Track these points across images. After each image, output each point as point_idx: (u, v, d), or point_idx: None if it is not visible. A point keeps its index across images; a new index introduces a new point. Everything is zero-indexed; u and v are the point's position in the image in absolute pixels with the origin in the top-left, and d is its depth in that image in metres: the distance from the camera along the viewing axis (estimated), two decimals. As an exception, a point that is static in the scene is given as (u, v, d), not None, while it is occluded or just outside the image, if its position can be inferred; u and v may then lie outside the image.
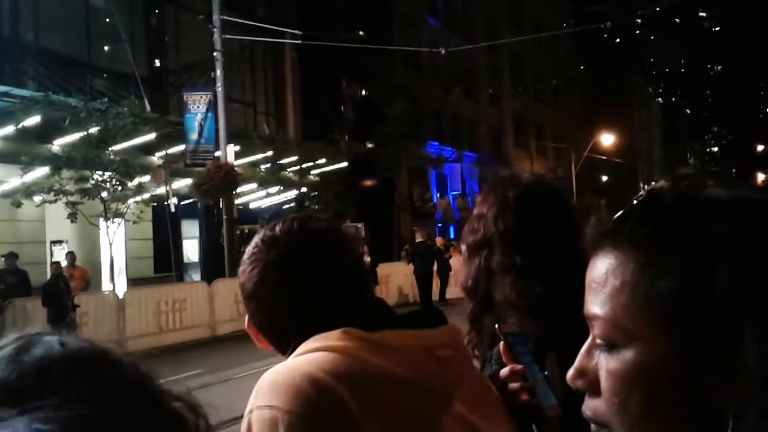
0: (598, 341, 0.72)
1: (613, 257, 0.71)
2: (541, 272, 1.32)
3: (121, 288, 15.48)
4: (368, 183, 25.86)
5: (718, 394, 0.65)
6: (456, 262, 20.62)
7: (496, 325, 1.26)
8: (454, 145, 34.45)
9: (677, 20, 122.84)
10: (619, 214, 0.73)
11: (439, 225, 32.31)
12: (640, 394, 0.69)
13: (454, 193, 34.60)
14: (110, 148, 14.81)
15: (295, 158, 20.64)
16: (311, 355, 1.06)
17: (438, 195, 33.80)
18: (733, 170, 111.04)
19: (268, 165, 20.09)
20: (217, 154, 16.68)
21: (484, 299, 1.40)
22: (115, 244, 15.32)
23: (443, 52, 23.20)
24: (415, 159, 29.19)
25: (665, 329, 0.67)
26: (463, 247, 1.52)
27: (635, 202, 0.73)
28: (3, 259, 12.62)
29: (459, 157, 34.60)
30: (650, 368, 0.68)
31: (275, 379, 1.04)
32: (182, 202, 17.61)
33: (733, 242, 0.66)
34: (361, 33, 24.99)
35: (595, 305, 0.72)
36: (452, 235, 30.52)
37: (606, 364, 0.71)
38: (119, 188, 14.94)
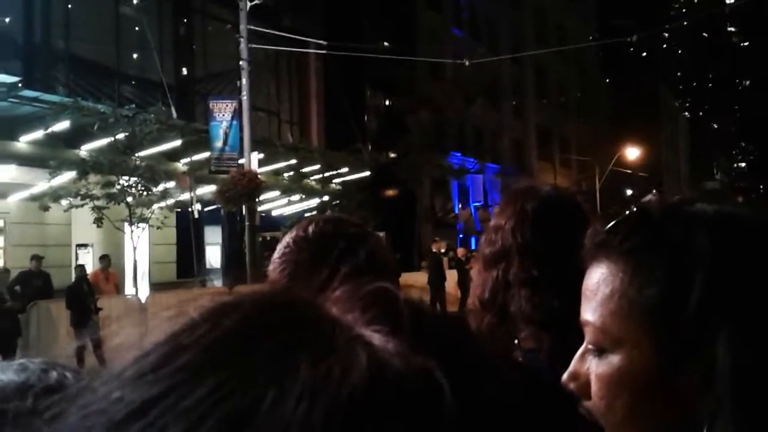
0: (590, 347, 0.76)
1: (605, 267, 0.75)
2: (558, 287, 1.31)
3: (144, 292, 15.63)
4: (390, 193, 25.90)
5: (695, 400, 0.67)
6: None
7: (515, 341, 1.28)
8: (477, 156, 34.40)
9: (705, 34, 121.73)
10: (610, 225, 0.76)
11: (461, 236, 32.24)
12: (624, 397, 0.72)
13: (476, 204, 34.52)
14: (136, 154, 15.00)
15: (317, 167, 20.75)
16: None
17: (460, 206, 33.75)
18: (761, 186, 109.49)
19: (291, 173, 20.22)
20: (241, 161, 16.81)
21: (500, 312, 1.39)
22: (139, 248, 15.48)
23: (467, 63, 23.22)
24: (438, 170, 29.17)
25: (648, 335, 0.70)
26: (480, 258, 1.51)
27: (626, 214, 0.76)
28: (29, 261, 12.80)
29: (481, 169, 34.54)
30: (634, 372, 0.71)
31: None
32: (206, 209, 17.78)
33: (710, 254, 0.69)
34: (385, 44, 25.11)
35: (588, 312, 0.76)
36: (474, 246, 30.45)
37: (596, 368, 0.74)
38: (144, 193, 15.12)
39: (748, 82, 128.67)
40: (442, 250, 19.64)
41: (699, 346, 0.67)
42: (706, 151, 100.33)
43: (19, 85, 12.05)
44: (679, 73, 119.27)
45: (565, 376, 0.78)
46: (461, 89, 31.22)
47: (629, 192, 55.16)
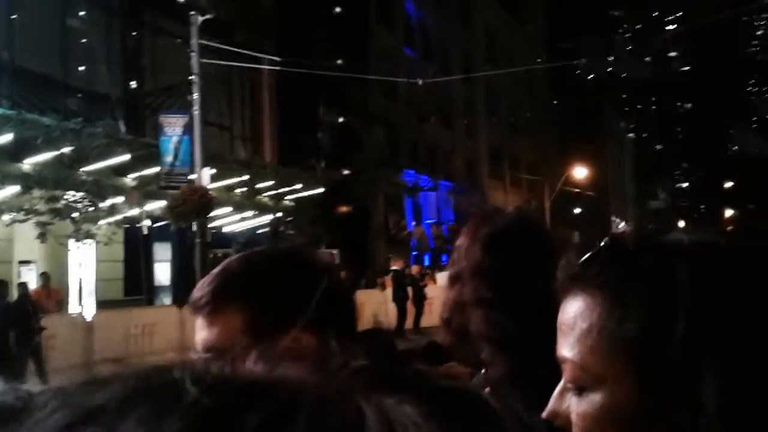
0: (569, 384, 0.72)
1: (581, 300, 0.72)
2: (512, 308, 1.32)
3: (90, 311, 15.17)
4: (344, 210, 25.84)
5: None
6: (432, 290, 20.63)
7: (481, 368, 1.28)
8: (430, 174, 34.65)
9: (648, 58, 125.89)
10: (585, 258, 0.73)
11: (414, 253, 32.31)
12: None
13: (429, 221, 34.70)
14: (83, 169, 14.62)
15: (271, 183, 20.56)
16: None
17: (414, 223, 33.87)
18: (702, 206, 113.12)
19: (244, 189, 19.98)
20: (192, 177, 16.56)
21: (459, 331, 1.40)
22: (85, 265, 15.07)
23: (420, 82, 23.45)
24: (391, 187, 29.26)
25: (630, 372, 0.67)
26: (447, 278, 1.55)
27: (601, 246, 0.74)
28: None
29: (435, 186, 34.78)
30: (616, 411, 0.68)
31: None
32: (155, 225, 17.42)
33: (691, 287, 0.67)
34: (339, 61, 25.18)
35: (565, 348, 0.73)
36: (426, 263, 30.53)
37: (576, 407, 0.71)
38: (91, 209, 14.72)
39: (689, 105, 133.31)
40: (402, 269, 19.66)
41: (684, 382, 0.65)
42: (650, 172, 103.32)
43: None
44: (624, 96, 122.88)
45: (544, 414, 0.75)
46: (415, 108, 31.49)
47: (577, 211, 56.28)
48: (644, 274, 0.69)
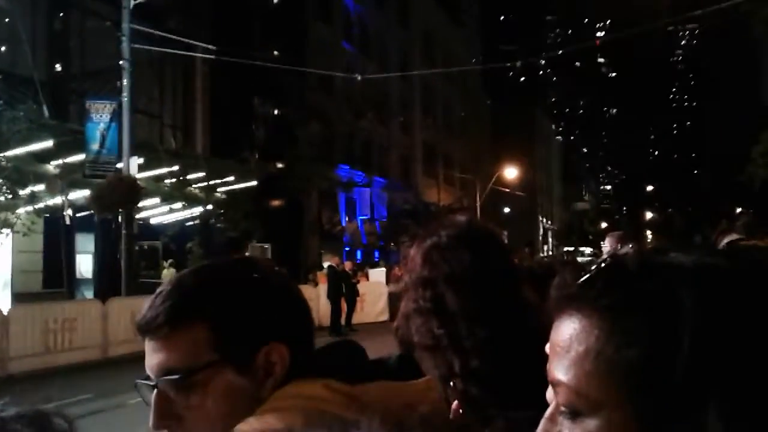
0: (562, 408, 0.70)
1: (578, 322, 0.70)
2: (444, 315, 1.33)
3: (6, 304, 14.46)
4: (277, 203, 25.52)
5: None
6: (363, 287, 20.61)
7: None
8: (365, 170, 34.65)
9: (577, 63, 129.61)
10: (584, 278, 0.71)
11: (347, 249, 32.24)
12: None
13: (363, 217, 34.71)
14: (2, 154, 13.93)
15: (202, 174, 20.09)
16: (284, 414, 0.91)
17: (347, 219, 33.79)
18: (624, 208, 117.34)
19: (174, 180, 19.44)
20: (120, 165, 16.03)
21: (403, 340, 1.41)
22: (2, 256, 14.36)
23: (359, 78, 23.36)
24: (325, 182, 29.11)
25: (629, 399, 0.65)
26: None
27: (601, 266, 0.71)
28: None
29: (369, 182, 34.81)
30: None
31: None
32: (78, 214, 16.76)
33: (696, 312, 0.64)
34: (275, 53, 24.82)
35: (559, 371, 0.70)
36: (359, 260, 30.51)
37: None
38: (9, 197, 14.04)
39: (614, 111, 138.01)
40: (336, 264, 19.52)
41: (686, 412, 0.63)
42: (577, 174, 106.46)
43: None
44: (553, 99, 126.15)
45: None
46: (351, 103, 31.38)
47: (507, 210, 57.39)
48: (647, 298, 0.66)
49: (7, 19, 16.77)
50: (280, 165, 25.63)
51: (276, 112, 27.60)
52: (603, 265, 0.72)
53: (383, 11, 39.05)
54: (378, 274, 23.39)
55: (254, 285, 1.04)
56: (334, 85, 30.43)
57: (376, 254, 34.44)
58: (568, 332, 0.70)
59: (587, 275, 0.71)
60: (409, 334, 1.39)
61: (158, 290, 1.04)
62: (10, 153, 14.17)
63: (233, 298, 1.01)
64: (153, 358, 1.00)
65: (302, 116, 27.59)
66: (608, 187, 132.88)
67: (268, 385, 1.00)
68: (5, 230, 14.29)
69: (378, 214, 35.72)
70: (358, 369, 1.06)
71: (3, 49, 17.06)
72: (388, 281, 21.87)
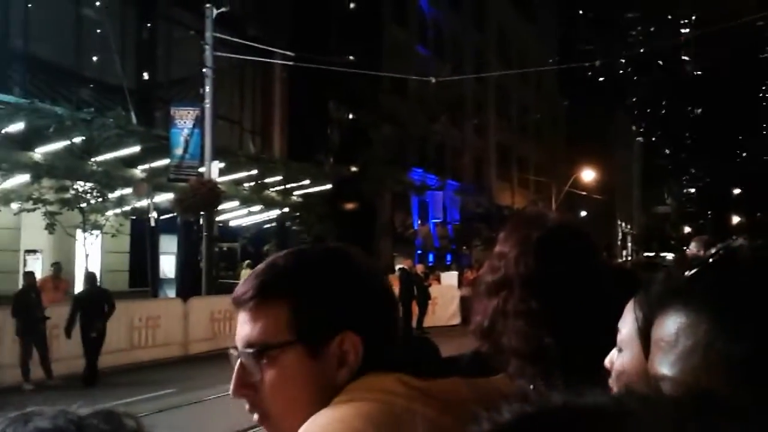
0: None
1: (684, 316, 0.69)
2: (555, 321, 1.28)
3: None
4: (350, 206, 25.83)
5: None
6: (435, 290, 20.61)
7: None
8: (438, 173, 34.60)
9: (660, 62, 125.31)
10: (692, 272, 0.71)
11: (419, 252, 32.30)
12: None
13: (435, 220, 34.66)
14: (93, 159, 14.64)
15: (279, 178, 20.56)
16: (362, 407, 0.95)
17: (419, 222, 33.85)
18: (708, 212, 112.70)
19: (252, 183, 19.99)
20: (202, 170, 16.59)
21: (497, 341, 1.35)
22: (91, 256, 15.08)
23: (433, 81, 23.37)
24: (399, 185, 29.24)
25: (737, 393, 0.64)
26: (482, 285, 1.46)
27: (710, 261, 0.71)
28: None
29: (442, 185, 34.73)
30: None
31: (326, 429, 0.93)
32: (162, 217, 17.45)
33: None
34: (351, 57, 25.14)
35: (664, 365, 0.69)
36: (431, 263, 30.54)
37: None
38: (99, 200, 14.75)
39: (699, 110, 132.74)
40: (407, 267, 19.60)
41: None
42: (658, 176, 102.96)
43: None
44: (634, 99, 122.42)
45: None
46: (425, 106, 31.42)
47: (584, 213, 56.16)
48: (758, 292, 0.66)
49: (98, 30, 17.62)
50: (354, 168, 25.94)
51: (350, 115, 27.95)
52: (712, 259, 0.72)
53: (458, 13, 38.90)
54: (450, 278, 23.33)
55: (340, 273, 1.06)
56: (408, 88, 30.55)
57: (449, 257, 34.38)
58: (674, 327, 0.69)
59: (695, 269, 0.72)
60: (502, 334, 1.34)
61: (256, 268, 1.11)
62: (100, 158, 14.88)
63: (316, 283, 1.05)
64: (240, 329, 1.06)
65: (376, 119, 27.83)
66: (692, 190, 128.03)
67: (342, 374, 1.02)
68: (95, 232, 14.98)
69: (450, 217, 35.62)
70: (431, 365, 1.06)
71: (95, 59, 17.94)
72: (460, 285, 21.78)
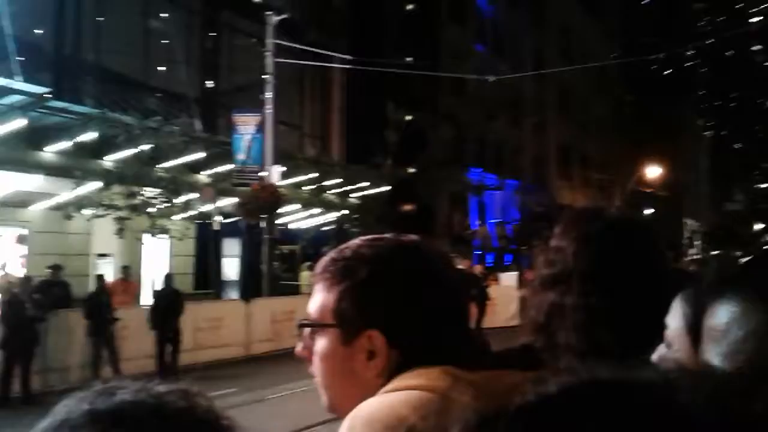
0: None
1: (737, 306, 0.70)
2: (614, 318, 1.25)
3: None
4: (408, 208, 25.92)
5: None
6: (494, 291, 20.46)
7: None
8: (497, 172, 34.31)
9: (729, 53, 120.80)
10: (746, 261, 0.73)
11: (477, 252, 32.14)
12: None
13: (494, 221, 34.41)
14: (160, 166, 15.13)
15: (338, 181, 20.80)
16: (408, 395, 0.98)
17: (478, 222, 33.67)
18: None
19: (312, 187, 20.29)
20: (263, 174, 16.92)
21: (551, 336, 1.32)
22: (158, 259, 15.58)
23: (491, 80, 23.21)
24: (457, 185, 29.16)
25: None
26: (537, 279, 1.42)
27: (764, 251, 0.70)
28: (48, 270, 12.91)
29: (501, 185, 34.44)
30: None
31: (371, 418, 0.96)
32: (225, 221, 17.89)
33: None
34: (408, 59, 25.19)
35: (715, 354, 0.70)
36: (489, 264, 30.34)
37: None
38: (166, 205, 15.23)
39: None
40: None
41: None
42: (727, 172, 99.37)
43: (49, 95, 12.20)
44: (702, 92, 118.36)
45: None
46: (483, 105, 31.20)
47: (649, 211, 54.73)
48: None
49: (164, 41, 18.20)
50: (412, 170, 26.01)
51: (408, 117, 28.02)
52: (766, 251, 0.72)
53: (517, 10, 38.45)
54: (509, 279, 23.10)
55: (395, 270, 1.08)
56: (467, 87, 30.41)
57: (508, 258, 34.08)
58: (725, 317, 0.70)
59: (749, 259, 0.74)
60: (551, 330, 1.31)
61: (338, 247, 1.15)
62: (166, 164, 15.39)
63: (366, 277, 1.07)
64: (312, 298, 1.13)
65: (434, 120, 27.82)
66: (763, 186, 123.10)
67: (371, 368, 1.05)
68: (162, 236, 15.48)
69: (510, 217, 35.31)
70: (479, 358, 1.08)
71: (161, 69, 18.52)
72: (520, 285, 21.56)
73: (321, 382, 1.11)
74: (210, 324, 14.28)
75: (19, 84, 11.87)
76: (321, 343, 1.09)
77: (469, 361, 1.04)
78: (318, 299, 1.11)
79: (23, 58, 12.92)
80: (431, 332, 1.06)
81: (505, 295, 21.02)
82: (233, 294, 19.45)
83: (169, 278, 13.19)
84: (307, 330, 1.12)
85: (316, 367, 1.10)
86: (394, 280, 1.07)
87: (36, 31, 15.61)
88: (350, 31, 23.61)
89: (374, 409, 0.97)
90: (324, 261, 1.13)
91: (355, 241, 1.14)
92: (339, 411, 1.05)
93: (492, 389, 0.95)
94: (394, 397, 0.98)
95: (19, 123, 12.23)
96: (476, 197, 33.40)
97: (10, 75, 12.17)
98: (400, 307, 1.06)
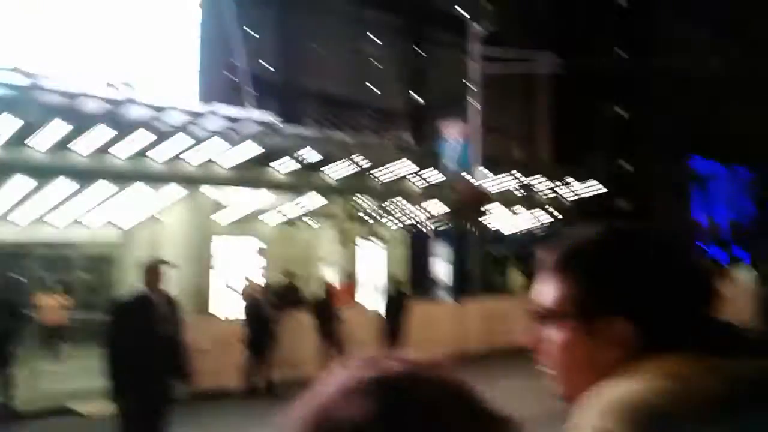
0: None
1: None
2: None
3: (382, 306, 16.71)
4: (623, 204, 24.89)
5: None
6: (727, 288, 18.70)
7: None
8: (723, 160, 31.60)
9: None
10: None
11: (701, 247, 29.84)
12: None
13: (722, 212, 31.73)
14: (376, 177, 16.17)
15: (546, 181, 20.61)
16: (652, 381, 0.96)
17: (702, 215, 31.27)
18: None
19: (520, 188, 20.30)
20: (471, 179, 17.31)
21: None
22: (375, 264, 16.56)
23: (711, 66, 21.58)
24: (677, 177, 27.31)
25: None
26: None
27: None
28: (283, 276, 14.42)
29: (728, 174, 31.64)
30: None
31: (622, 402, 0.94)
32: (436, 226, 18.51)
33: None
34: (620, 53, 24.19)
35: None
36: (727, 260, 27.99)
37: None
38: (382, 213, 16.20)
39: None
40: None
41: None
42: None
43: (278, 124, 13.63)
44: None
45: None
46: (705, 95, 28.98)
47: None
48: None
49: (375, 62, 19.40)
50: (626, 165, 24.92)
51: (620, 110, 26.87)
52: None
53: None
54: (744, 275, 21.14)
55: (631, 257, 1.07)
56: (684, 75, 28.42)
57: (737, 251, 31.20)
58: None
59: None
60: None
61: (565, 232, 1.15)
62: (380, 176, 16.42)
63: (602, 265, 1.07)
64: (538, 287, 1.13)
65: (648, 112, 26.37)
66: None
67: (611, 355, 1.03)
68: (379, 242, 16.50)
69: (740, 206, 32.33)
70: (724, 344, 1.02)
71: (373, 88, 19.72)
72: (762, 282, 19.63)
73: (557, 370, 1.10)
74: (423, 324, 14.89)
75: (251, 113, 13.43)
76: (557, 333, 1.08)
77: (717, 347, 1.01)
78: (551, 289, 1.10)
79: (252, 90, 14.58)
80: (675, 317, 1.04)
81: (740, 294, 19.30)
82: (445, 297, 20.01)
83: (397, 282, 14.27)
84: (534, 318, 1.12)
85: (550, 356, 1.10)
86: (634, 266, 1.06)
87: (263, 63, 17.45)
88: (557, 30, 23.18)
89: (621, 395, 0.95)
90: (552, 251, 1.12)
91: (583, 230, 1.13)
92: (576, 399, 1.03)
93: (737, 379, 0.96)
94: (638, 385, 0.96)
95: (255, 150, 13.79)
96: (699, 188, 31.04)
97: (243, 105, 13.81)
98: (643, 292, 1.04)
